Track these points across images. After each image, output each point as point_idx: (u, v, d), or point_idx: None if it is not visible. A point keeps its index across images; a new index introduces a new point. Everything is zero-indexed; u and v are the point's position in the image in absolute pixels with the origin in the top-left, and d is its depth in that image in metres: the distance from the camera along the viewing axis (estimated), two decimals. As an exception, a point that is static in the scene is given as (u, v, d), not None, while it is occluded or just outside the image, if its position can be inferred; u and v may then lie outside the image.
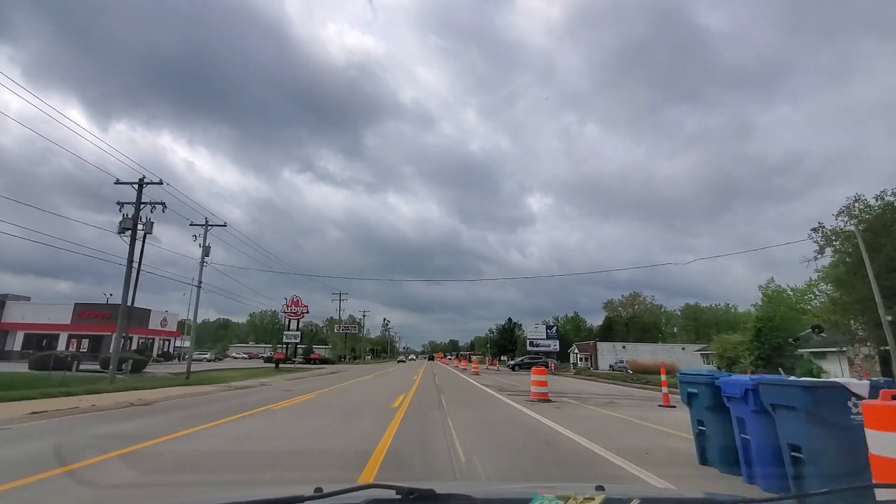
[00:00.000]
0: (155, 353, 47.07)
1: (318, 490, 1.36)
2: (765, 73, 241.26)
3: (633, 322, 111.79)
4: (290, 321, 61.73)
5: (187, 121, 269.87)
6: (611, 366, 60.36)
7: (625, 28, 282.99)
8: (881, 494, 1.41)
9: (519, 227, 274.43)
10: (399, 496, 1.29)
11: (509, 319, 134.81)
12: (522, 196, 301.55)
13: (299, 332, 61.61)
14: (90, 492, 4.62)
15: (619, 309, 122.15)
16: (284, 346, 62.94)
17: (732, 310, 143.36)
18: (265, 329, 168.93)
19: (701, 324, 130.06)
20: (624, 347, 66.84)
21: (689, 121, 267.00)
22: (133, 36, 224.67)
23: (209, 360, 75.55)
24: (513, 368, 46.30)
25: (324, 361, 61.01)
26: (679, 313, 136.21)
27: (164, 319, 49.28)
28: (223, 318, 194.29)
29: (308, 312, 60.90)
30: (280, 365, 42.67)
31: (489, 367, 58.41)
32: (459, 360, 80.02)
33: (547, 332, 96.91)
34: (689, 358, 60.76)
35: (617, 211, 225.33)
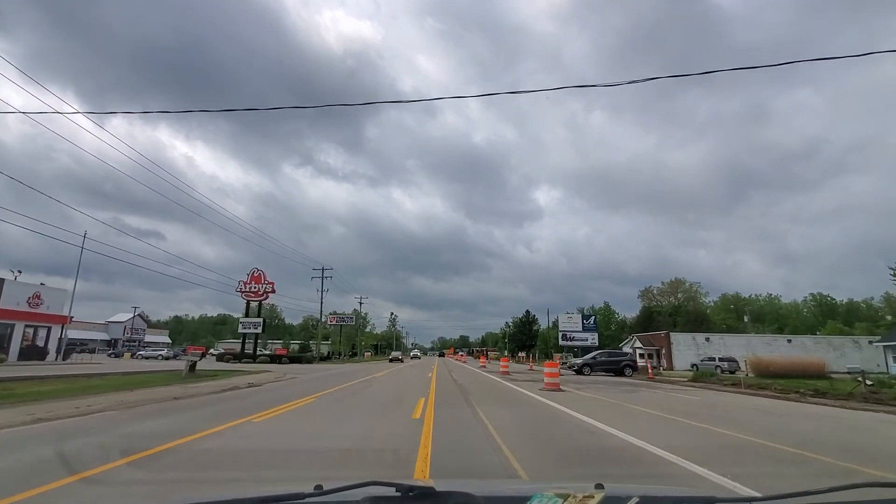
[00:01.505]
0: (19, 346, 29.37)
1: (319, 487, 1.32)
2: (782, 55, 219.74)
3: (679, 312, 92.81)
4: (249, 303, 43.63)
5: (184, 115, 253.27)
6: (694, 365, 41.80)
7: (634, 9, 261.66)
8: (877, 493, 1.33)
9: (525, 221, 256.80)
10: (399, 493, 1.23)
11: (527, 312, 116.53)
12: (529, 189, 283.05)
13: (261, 320, 43.37)
14: None
15: (659, 298, 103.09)
16: (241, 336, 44.89)
17: (776, 300, 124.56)
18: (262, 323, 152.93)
19: (743, 315, 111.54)
20: (708, 340, 47.96)
21: (702, 106, 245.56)
22: (126, 26, 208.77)
23: (164, 359, 58.09)
24: (579, 371, 27.87)
25: (296, 359, 42.96)
26: (714, 303, 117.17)
27: (37, 295, 31.64)
28: (223, 314, 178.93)
29: (274, 292, 42.76)
30: (197, 367, 24.75)
31: (527, 366, 39.76)
32: (486, 358, 61.48)
33: (583, 324, 78.12)
34: (811, 353, 42.06)
35: (627, 204, 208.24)
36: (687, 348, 46.94)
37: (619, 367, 28.01)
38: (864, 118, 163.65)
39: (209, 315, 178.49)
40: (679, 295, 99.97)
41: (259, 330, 41.92)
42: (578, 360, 28.98)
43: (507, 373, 25.43)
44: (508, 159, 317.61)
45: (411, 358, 76.84)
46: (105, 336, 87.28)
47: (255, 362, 39.90)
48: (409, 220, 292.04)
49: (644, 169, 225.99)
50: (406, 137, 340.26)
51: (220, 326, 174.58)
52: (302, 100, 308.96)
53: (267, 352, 60.57)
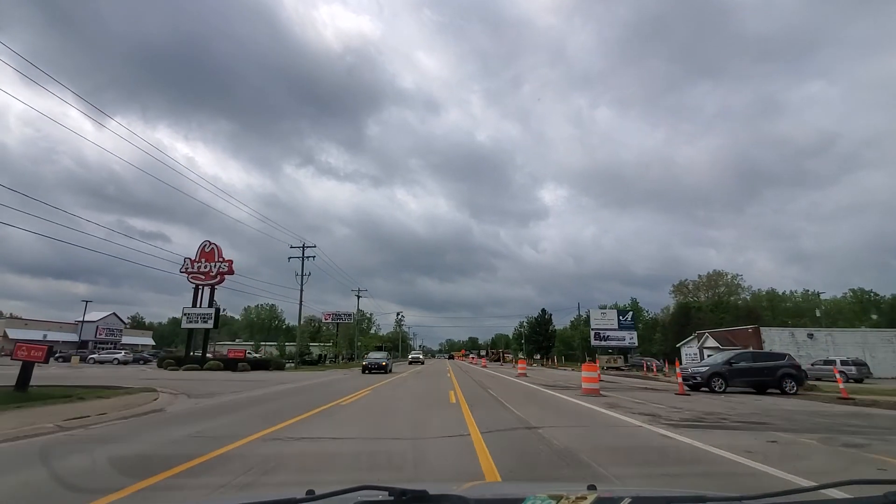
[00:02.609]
0: None
1: (310, 492, 1.29)
2: (794, 45, 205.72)
3: (723, 307, 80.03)
4: (198, 289, 31.91)
5: (183, 115, 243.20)
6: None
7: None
8: (867, 490, 1.31)
9: (531, 220, 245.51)
10: (391, 497, 1.20)
11: (543, 311, 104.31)
12: (534, 188, 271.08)
13: (212, 312, 31.55)
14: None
15: (697, 293, 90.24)
16: (187, 333, 33.07)
17: (814, 297, 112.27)
18: (261, 324, 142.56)
19: (780, 312, 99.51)
20: (811, 336, 35.49)
21: (711, 100, 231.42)
22: (121, 25, 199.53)
23: (120, 363, 46.73)
24: (704, 385, 15.75)
25: (262, 364, 30.90)
26: (743, 300, 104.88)
27: None
28: (225, 315, 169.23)
29: (231, 273, 30.95)
30: (30, 381, 13.06)
31: (610, 372, 27.37)
32: (509, 360, 45.26)
33: (619, 321, 65.96)
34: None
35: (635, 202, 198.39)
36: (783, 347, 34.54)
37: (774, 379, 15.87)
38: (880, 110, 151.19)
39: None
40: (721, 289, 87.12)
41: (210, 325, 30.06)
42: (701, 368, 16.72)
43: (596, 392, 13.34)
44: (513, 157, 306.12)
45: (411, 363, 52.58)
46: (75, 338, 76.15)
47: (201, 368, 28.17)
48: (413, 221, 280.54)
49: (653, 166, 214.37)
50: (408, 136, 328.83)
51: (222, 327, 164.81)
52: (302, 97, 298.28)
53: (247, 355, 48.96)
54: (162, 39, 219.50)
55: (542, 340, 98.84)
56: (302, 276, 35.82)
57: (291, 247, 36.32)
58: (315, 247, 36.43)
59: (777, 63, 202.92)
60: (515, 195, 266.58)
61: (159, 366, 31.58)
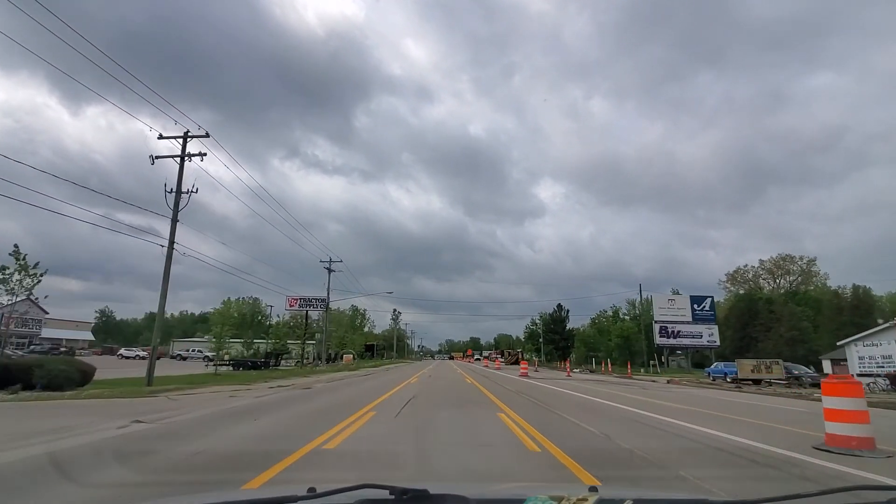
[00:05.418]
0: None
1: (312, 490, 1.24)
2: (803, 31, 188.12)
3: (800, 298, 61.05)
4: None
5: (167, 104, 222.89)
6: None
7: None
8: (869, 496, 1.29)
9: (528, 219, 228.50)
10: (392, 496, 1.16)
11: (559, 306, 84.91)
12: (531, 185, 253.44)
13: None
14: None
15: (757, 282, 71.06)
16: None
17: (864, 291, 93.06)
18: (242, 320, 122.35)
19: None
20: None
21: (714, 91, 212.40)
22: (99, 8, 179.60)
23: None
24: None
25: (10, 378, 11.80)
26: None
27: None
28: (205, 313, 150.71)
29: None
30: None
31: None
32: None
33: (693, 312, 46.74)
34: None
35: (634, 200, 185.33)
36: None
37: None
38: (892, 103, 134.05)
39: (190, 312, 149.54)
40: (793, 277, 67.98)
41: None
42: None
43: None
44: (509, 151, 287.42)
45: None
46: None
47: None
48: (407, 218, 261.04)
49: (652, 161, 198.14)
50: (399, 128, 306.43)
51: (202, 324, 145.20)
52: (286, 85, 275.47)
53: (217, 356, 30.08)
54: (141, 24, 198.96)
55: (558, 340, 79.89)
56: (178, 189, 16.68)
57: (161, 137, 17.23)
58: (208, 136, 17.32)
59: (784, 51, 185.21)
60: (511, 192, 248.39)
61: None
